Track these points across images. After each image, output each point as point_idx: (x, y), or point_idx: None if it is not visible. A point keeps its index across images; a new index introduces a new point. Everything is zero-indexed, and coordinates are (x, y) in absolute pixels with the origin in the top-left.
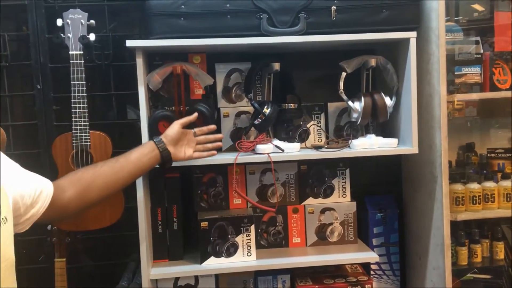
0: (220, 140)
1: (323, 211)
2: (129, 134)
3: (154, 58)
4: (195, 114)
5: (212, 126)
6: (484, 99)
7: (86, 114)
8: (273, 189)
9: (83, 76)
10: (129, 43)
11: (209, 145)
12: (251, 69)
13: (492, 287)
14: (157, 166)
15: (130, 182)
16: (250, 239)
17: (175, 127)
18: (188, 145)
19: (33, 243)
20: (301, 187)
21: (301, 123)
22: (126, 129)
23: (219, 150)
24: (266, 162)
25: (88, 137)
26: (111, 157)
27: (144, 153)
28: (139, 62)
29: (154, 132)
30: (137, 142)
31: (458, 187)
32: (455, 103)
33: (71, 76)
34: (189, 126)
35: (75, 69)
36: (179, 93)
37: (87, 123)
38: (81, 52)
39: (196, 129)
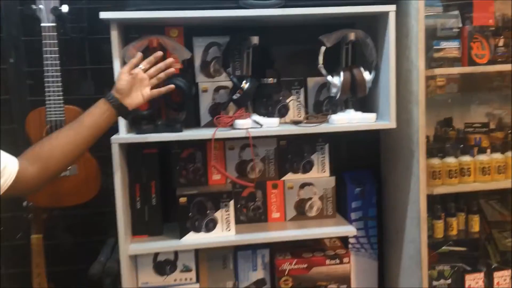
0: (171, 66)
1: (302, 186)
2: None
3: (130, 31)
4: (139, 54)
5: (159, 53)
6: (465, 75)
7: (60, 89)
8: (252, 164)
9: (56, 49)
10: (103, 15)
11: (162, 75)
12: (229, 43)
13: (467, 259)
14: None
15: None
16: (229, 214)
17: (122, 77)
18: (142, 84)
19: (10, 221)
20: (280, 163)
21: (280, 98)
22: None
23: (197, 125)
24: (245, 138)
25: (62, 112)
26: None
27: (99, 114)
28: (114, 35)
29: None
30: None
31: (435, 161)
32: (437, 80)
33: (44, 49)
34: (166, 97)
35: (47, 41)
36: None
37: (61, 97)
38: (54, 24)
39: (143, 63)
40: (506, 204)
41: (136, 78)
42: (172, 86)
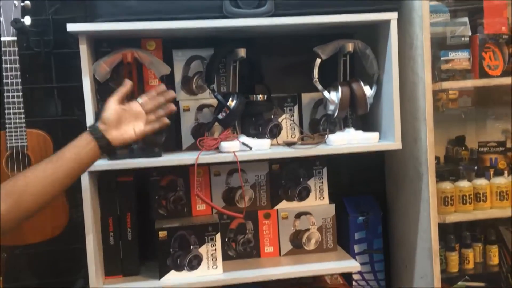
0: (173, 100)
1: (298, 215)
2: (74, 132)
3: (102, 44)
4: (128, 82)
5: (162, 87)
6: (479, 87)
7: (22, 110)
8: (241, 192)
9: (17, 66)
10: (70, 27)
11: (161, 112)
12: (213, 56)
13: None
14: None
15: (71, 182)
16: (215, 250)
17: (110, 106)
18: (137, 119)
19: None
20: (273, 189)
21: (272, 116)
22: (70, 127)
23: (178, 148)
24: (233, 162)
25: (24, 137)
26: None
27: (81, 146)
28: (83, 49)
29: None
30: None
31: (447, 185)
32: (449, 93)
33: (3, 66)
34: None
35: (7, 57)
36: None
37: (22, 120)
38: (14, 38)
39: (141, 97)
40: None
41: (130, 109)
42: (167, 121)
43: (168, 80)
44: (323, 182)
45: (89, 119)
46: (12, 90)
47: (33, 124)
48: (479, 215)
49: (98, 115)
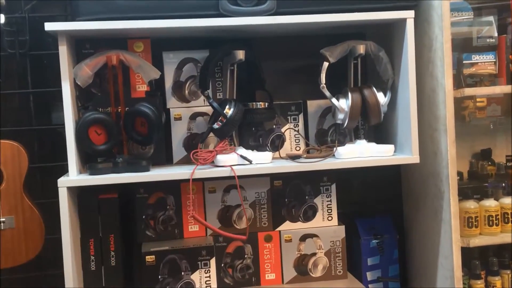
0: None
1: (304, 238)
2: (52, 143)
3: (84, 45)
4: None
5: None
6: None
7: None
8: (240, 211)
9: None
10: (49, 26)
11: None
12: (208, 59)
13: None
14: None
15: None
16: (210, 277)
17: None
18: None
19: None
20: (275, 209)
21: (274, 126)
22: (47, 137)
23: (169, 162)
24: (230, 177)
25: None
26: (26, 173)
27: None
28: (63, 51)
29: (84, 140)
30: (62, 153)
31: (471, 204)
32: (476, 101)
33: None
34: (127, 128)
35: None
36: (116, 90)
37: None
38: None
39: None
40: None
41: None
42: None
43: (158, 86)
44: (331, 201)
45: (69, 129)
46: None
47: (6, 135)
48: (507, 239)
49: (80, 133)
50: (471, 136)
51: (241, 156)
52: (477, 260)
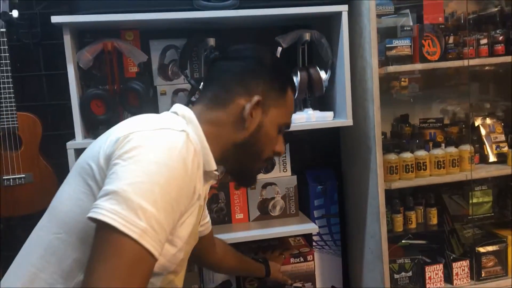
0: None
1: (265, 186)
2: (62, 116)
3: (85, 35)
4: None
5: None
6: (425, 74)
7: (12, 95)
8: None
9: (7, 55)
10: (55, 19)
11: None
12: (186, 45)
13: (427, 251)
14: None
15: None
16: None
17: None
18: None
19: None
20: None
21: None
22: (58, 111)
23: None
24: None
25: (15, 119)
26: (40, 139)
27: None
28: (67, 39)
29: (87, 111)
30: (70, 124)
31: (392, 156)
32: (401, 81)
33: None
34: (122, 101)
35: None
36: (112, 71)
37: (13, 104)
38: (3, 30)
39: None
40: (468, 199)
41: None
42: None
43: (146, 68)
44: (286, 157)
45: (74, 103)
46: (3, 77)
47: (24, 108)
48: (420, 182)
49: (83, 106)
50: (394, 105)
51: None
52: (397, 199)
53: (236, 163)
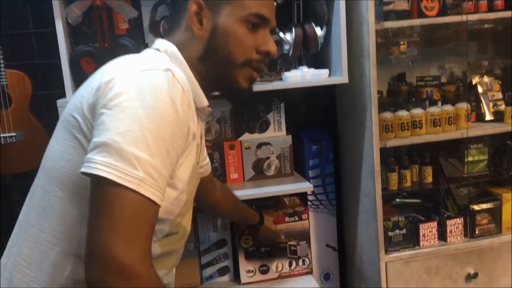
0: None
1: (260, 146)
2: (52, 75)
3: None
4: None
5: None
6: (424, 35)
7: (0, 52)
8: (208, 126)
9: None
10: None
11: None
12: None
13: (421, 210)
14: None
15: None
16: None
17: None
18: None
19: None
20: (236, 123)
21: None
22: (48, 69)
23: None
24: None
25: (3, 76)
26: (30, 97)
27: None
28: None
29: (76, 69)
30: (59, 82)
31: (387, 115)
32: (400, 45)
33: None
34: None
35: None
36: (102, 28)
37: (1, 62)
38: None
39: None
40: (463, 159)
41: None
42: None
43: (137, 24)
44: (281, 116)
45: (64, 60)
46: None
47: (13, 67)
48: (415, 140)
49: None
50: (391, 65)
51: None
52: (392, 157)
53: (215, 80)
